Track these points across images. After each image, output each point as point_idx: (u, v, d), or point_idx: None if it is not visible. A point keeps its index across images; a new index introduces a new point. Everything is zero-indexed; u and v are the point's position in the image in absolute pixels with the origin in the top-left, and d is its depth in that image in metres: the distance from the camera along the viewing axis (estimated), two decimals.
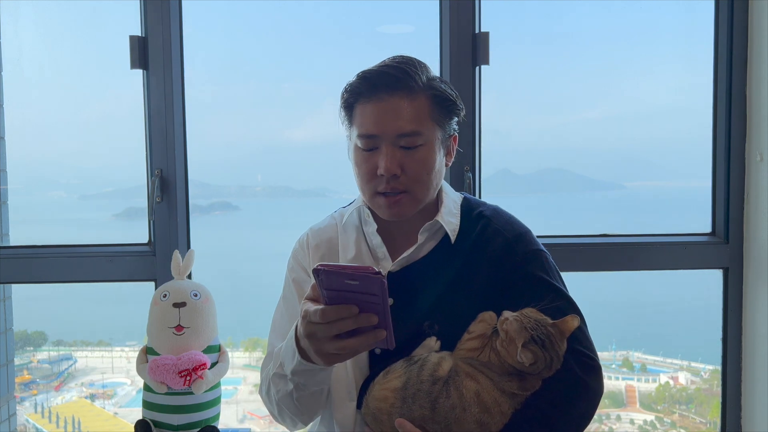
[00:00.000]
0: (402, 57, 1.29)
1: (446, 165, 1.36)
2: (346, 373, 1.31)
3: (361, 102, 1.28)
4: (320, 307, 1.07)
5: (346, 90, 1.31)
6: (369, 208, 1.37)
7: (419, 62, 1.30)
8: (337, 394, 1.32)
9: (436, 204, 1.36)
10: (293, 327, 1.20)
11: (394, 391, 1.19)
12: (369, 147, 1.28)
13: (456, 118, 1.33)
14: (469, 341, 1.22)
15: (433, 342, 1.26)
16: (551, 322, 1.18)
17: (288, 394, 1.26)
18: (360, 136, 1.28)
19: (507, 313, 1.20)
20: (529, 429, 1.16)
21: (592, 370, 1.23)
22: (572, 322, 1.19)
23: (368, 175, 1.29)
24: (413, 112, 1.25)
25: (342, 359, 1.13)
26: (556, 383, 1.18)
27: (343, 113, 1.33)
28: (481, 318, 1.24)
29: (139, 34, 2.05)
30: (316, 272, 1.03)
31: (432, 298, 1.29)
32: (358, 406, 1.28)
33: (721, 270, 2.16)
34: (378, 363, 1.28)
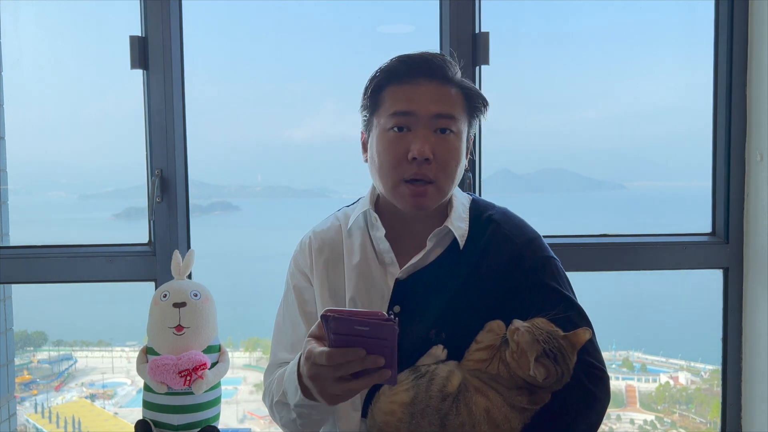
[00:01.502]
0: (436, 52, 1.29)
1: (465, 165, 1.33)
2: None
3: (394, 84, 1.25)
4: (326, 349, 1.02)
5: (378, 73, 1.27)
6: (376, 212, 1.34)
7: (454, 61, 1.30)
8: (342, 405, 1.27)
9: (446, 209, 1.33)
10: (295, 361, 1.16)
11: (402, 406, 1.16)
12: (400, 125, 1.23)
13: (478, 121, 1.33)
14: (477, 352, 1.20)
15: (439, 351, 1.23)
16: (563, 334, 1.16)
17: (292, 421, 1.25)
18: (393, 114, 1.24)
19: (518, 323, 1.17)
20: None
21: (600, 381, 1.21)
22: (584, 336, 1.16)
23: (396, 160, 1.24)
24: (449, 98, 1.25)
25: (345, 399, 1.09)
26: (565, 396, 1.16)
27: (367, 101, 1.29)
28: (489, 327, 1.21)
29: (139, 34, 2.05)
30: (325, 318, 1.00)
31: (439, 305, 1.26)
32: (363, 415, 1.25)
33: (721, 270, 2.16)
34: None
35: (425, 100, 1.23)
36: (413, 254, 1.29)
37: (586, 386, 1.18)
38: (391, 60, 1.27)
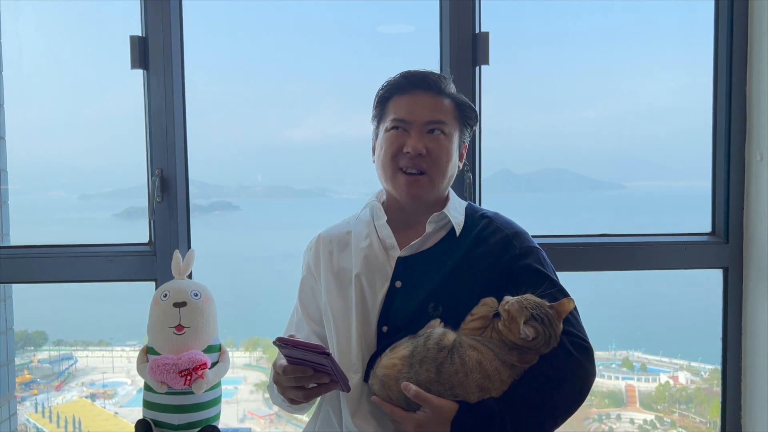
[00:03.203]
0: (434, 71, 1.50)
1: (458, 167, 1.50)
2: (350, 348, 1.40)
3: (398, 95, 1.47)
4: (284, 363, 1.28)
5: (384, 86, 1.49)
6: (381, 203, 1.51)
7: (448, 77, 1.52)
8: (343, 367, 1.37)
9: (444, 201, 1.49)
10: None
11: (402, 359, 1.28)
12: (399, 128, 1.44)
13: (469, 129, 1.51)
14: (472, 322, 1.32)
15: (437, 324, 1.34)
16: (549, 304, 1.28)
17: (281, 402, 1.44)
18: (394, 120, 1.45)
19: (508, 297, 1.29)
20: (526, 397, 1.25)
21: (585, 350, 1.31)
22: (568, 304, 1.29)
23: (394, 152, 1.44)
24: (441, 108, 1.46)
25: (304, 402, 1.35)
26: (552, 359, 1.28)
27: (375, 110, 1.51)
28: (483, 302, 1.33)
29: (140, 34, 2.05)
30: (277, 345, 1.24)
31: (437, 282, 1.39)
32: (365, 379, 1.37)
33: (721, 270, 2.16)
34: (384, 339, 1.38)
35: (421, 109, 1.44)
36: (413, 241, 1.45)
37: (572, 353, 1.29)
38: (396, 75, 1.49)
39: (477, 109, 2.09)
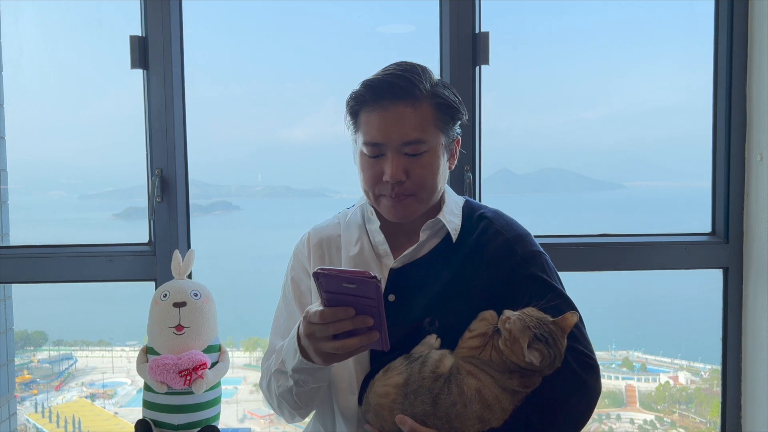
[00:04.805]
0: (405, 64, 1.31)
1: (450, 168, 1.37)
2: (347, 368, 1.32)
3: (366, 110, 1.29)
4: (320, 308, 1.11)
5: (351, 98, 1.32)
6: (373, 206, 1.39)
7: (422, 68, 1.31)
8: (340, 387, 1.33)
9: (439, 204, 1.37)
10: (296, 326, 1.23)
11: (396, 387, 1.20)
12: (374, 154, 1.29)
13: (459, 122, 1.35)
14: (470, 339, 1.23)
15: (433, 340, 1.27)
16: (551, 319, 1.20)
17: (288, 390, 1.30)
18: (365, 143, 1.30)
19: (508, 312, 1.21)
20: (529, 425, 1.18)
21: (591, 368, 1.24)
22: (572, 319, 1.20)
23: (373, 180, 1.31)
24: (417, 120, 1.27)
25: (338, 359, 1.17)
26: (555, 381, 1.20)
27: (348, 119, 1.35)
28: (482, 317, 1.25)
29: (140, 34, 2.05)
30: (316, 276, 1.08)
31: (433, 295, 1.30)
32: (359, 402, 1.29)
33: (721, 270, 2.16)
34: (378, 359, 1.29)
35: (392, 127, 1.26)
36: (408, 247, 1.35)
37: (577, 373, 1.22)
38: (360, 85, 1.31)
39: (477, 108, 2.09)
